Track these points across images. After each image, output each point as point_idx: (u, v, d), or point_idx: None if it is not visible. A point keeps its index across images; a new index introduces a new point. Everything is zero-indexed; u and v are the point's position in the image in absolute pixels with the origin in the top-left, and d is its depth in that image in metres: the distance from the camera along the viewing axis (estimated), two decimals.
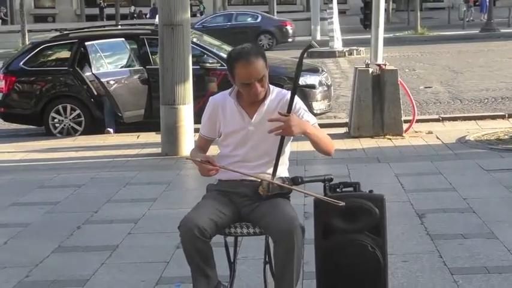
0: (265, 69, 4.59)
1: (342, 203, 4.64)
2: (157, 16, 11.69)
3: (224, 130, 4.75)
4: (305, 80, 12.73)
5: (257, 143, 4.71)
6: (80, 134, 12.97)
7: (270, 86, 4.72)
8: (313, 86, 12.97)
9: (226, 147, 4.79)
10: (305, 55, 4.68)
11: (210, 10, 33.64)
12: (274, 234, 4.52)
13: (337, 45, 24.64)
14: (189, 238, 4.51)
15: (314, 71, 13.56)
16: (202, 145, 4.90)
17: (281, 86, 5.05)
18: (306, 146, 9.09)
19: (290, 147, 4.87)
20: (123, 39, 13.26)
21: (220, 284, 4.76)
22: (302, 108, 4.69)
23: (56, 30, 20.64)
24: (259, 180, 4.63)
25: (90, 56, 12.89)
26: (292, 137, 4.75)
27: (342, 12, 32.11)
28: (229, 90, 4.76)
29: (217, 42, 15.16)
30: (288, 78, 12.44)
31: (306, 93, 12.53)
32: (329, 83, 13.58)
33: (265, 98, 4.67)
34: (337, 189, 4.92)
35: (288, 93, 4.67)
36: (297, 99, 4.66)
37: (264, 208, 4.62)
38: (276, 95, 4.71)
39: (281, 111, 4.56)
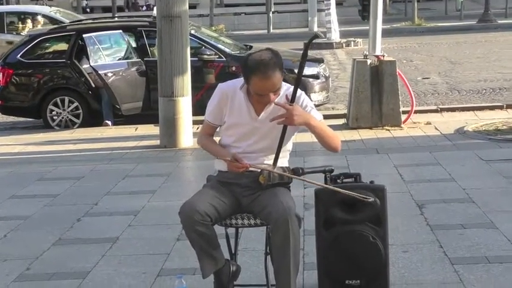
0: (281, 81, 4.56)
1: (371, 199, 4.67)
2: (155, 8, 11.67)
3: (229, 120, 4.75)
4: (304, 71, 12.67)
5: (260, 139, 4.72)
6: (78, 127, 12.95)
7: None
8: (316, 76, 12.97)
9: (228, 137, 4.79)
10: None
11: (207, 2, 33.52)
12: (271, 223, 4.55)
13: (335, 36, 24.57)
14: (189, 223, 4.54)
15: (315, 61, 13.56)
16: (209, 132, 4.91)
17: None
18: (305, 137, 9.11)
19: (292, 140, 4.86)
20: (120, 31, 13.22)
21: (229, 263, 4.78)
22: (309, 105, 4.69)
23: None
24: (259, 170, 4.64)
25: (88, 48, 12.85)
26: (295, 131, 4.76)
27: (339, 4, 32.02)
28: (241, 84, 4.70)
29: (215, 34, 15.16)
30: (287, 70, 12.40)
31: (304, 85, 12.50)
32: (327, 74, 13.57)
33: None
34: (338, 180, 4.94)
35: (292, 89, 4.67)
36: (304, 96, 4.67)
37: (264, 198, 4.64)
38: (283, 93, 4.69)
39: (287, 97, 4.57)
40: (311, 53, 16.70)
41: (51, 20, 19.86)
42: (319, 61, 13.65)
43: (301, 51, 4.84)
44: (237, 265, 4.89)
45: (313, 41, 4.79)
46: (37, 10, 22.09)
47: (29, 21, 20.59)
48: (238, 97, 4.70)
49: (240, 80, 4.71)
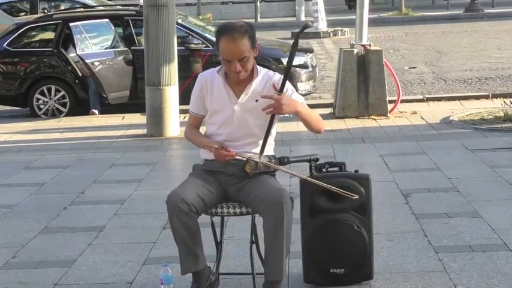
0: (249, 51, 4.58)
1: (356, 196, 4.71)
2: None
3: (210, 107, 4.77)
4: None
5: (242, 123, 4.73)
6: (65, 116, 12.93)
7: (258, 66, 4.74)
8: (304, 66, 12.96)
9: (212, 125, 4.81)
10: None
11: None
12: (262, 206, 4.53)
13: (322, 26, 24.57)
14: (175, 212, 4.54)
15: (303, 51, 13.57)
16: (195, 124, 4.93)
17: (266, 67, 5.05)
18: (291, 126, 9.14)
19: (276, 128, 4.89)
20: (107, 20, 13.21)
21: (208, 268, 4.79)
22: (289, 88, 4.72)
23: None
24: (245, 158, 4.66)
25: (74, 37, 12.83)
26: (277, 119, 4.79)
27: None
28: (218, 67, 4.77)
29: (201, 23, 15.14)
30: (273, 59, 12.47)
31: (291, 74, 12.48)
32: (314, 64, 13.58)
33: (252, 78, 4.69)
34: (323, 169, 4.97)
35: (275, 74, 4.73)
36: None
37: (251, 186, 4.65)
38: (263, 76, 4.73)
39: (275, 86, 4.59)
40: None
41: (85, 6, 19.65)
42: (309, 51, 13.64)
43: (289, 41, 4.86)
44: (216, 277, 4.88)
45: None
46: None
47: (62, 7, 20.44)
48: (217, 82, 4.74)
49: (219, 66, 4.74)
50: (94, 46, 12.95)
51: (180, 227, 4.57)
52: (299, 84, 12.72)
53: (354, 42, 11.67)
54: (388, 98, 11.44)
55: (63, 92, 13.08)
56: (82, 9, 15.63)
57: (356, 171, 5.02)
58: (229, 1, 34.12)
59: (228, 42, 4.53)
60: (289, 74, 4.67)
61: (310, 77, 13.25)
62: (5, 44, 13.37)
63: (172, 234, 4.65)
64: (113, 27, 13.13)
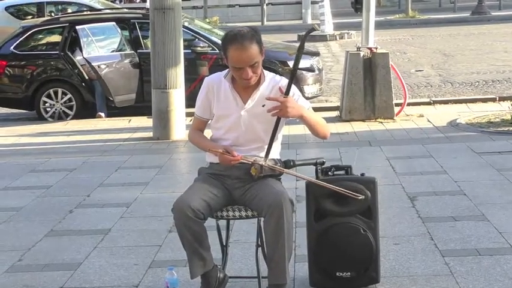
0: (259, 56, 4.58)
1: (362, 196, 4.70)
2: (148, 0, 11.66)
3: (217, 112, 4.77)
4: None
5: (249, 128, 4.73)
6: (71, 118, 12.96)
7: (264, 71, 4.73)
8: (310, 69, 12.94)
9: (218, 130, 4.81)
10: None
11: None
12: (263, 209, 4.54)
13: (328, 28, 24.57)
14: (182, 219, 4.53)
15: (309, 54, 13.57)
16: (200, 127, 4.92)
17: (272, 70, 5.06)
18: (298, 129, 9.12)
19: (282, 132, 4.88)
20: (114, 23, 13.22)
21: (216, 267, 4.79)
22: (296, 93, 4.71)
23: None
24: (250, 162, 4.65)
25: (81, 40, 12.86)
26: (284, 123, 4.78)
27: None
28: (225, 72, 4.76)
29: (208, 26, 15.16)
30: (280, 62, 12.47)
31: (297, 77, 12.49)
32: (320, 67, 13.57)
33: (259, 83, 4.69)
34: (329, 173, 4.96)
35: (282, 79, 4.73)
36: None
37: (255, 189, 4.65)
38: (269, 81, 4.72)
39: (281, 90, 4.59)
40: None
41: (92, 9, 19.63)
42: (315, 54, 13.62)
43: (296, 44, 4.86)
44: (224, 273, 4.89)
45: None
46: None
47: (69, 10, 20.50)
48: (224, 87, 4.73)
49: (226, 70, 4.73)
50: (100, 49, 12.97)
51: (187, 234, 4.57)
52: (305, 87, 12.73)
53: (360, 45, 11.65)
54: (394, 101, 11.43)
55: (69, 95, 13.10)
56: (89, 12, 15.66)
57: (362, 174, 5.00)
58: (236, 4, 34.09)
59: (238, 50, 4.52)
60: (295, 77, 4.66)
61: (317, 80, 13.24)
62: (12, 47, 13.40)
63: (180, 240, 4.65)
64: (119, 30, 13.16)
